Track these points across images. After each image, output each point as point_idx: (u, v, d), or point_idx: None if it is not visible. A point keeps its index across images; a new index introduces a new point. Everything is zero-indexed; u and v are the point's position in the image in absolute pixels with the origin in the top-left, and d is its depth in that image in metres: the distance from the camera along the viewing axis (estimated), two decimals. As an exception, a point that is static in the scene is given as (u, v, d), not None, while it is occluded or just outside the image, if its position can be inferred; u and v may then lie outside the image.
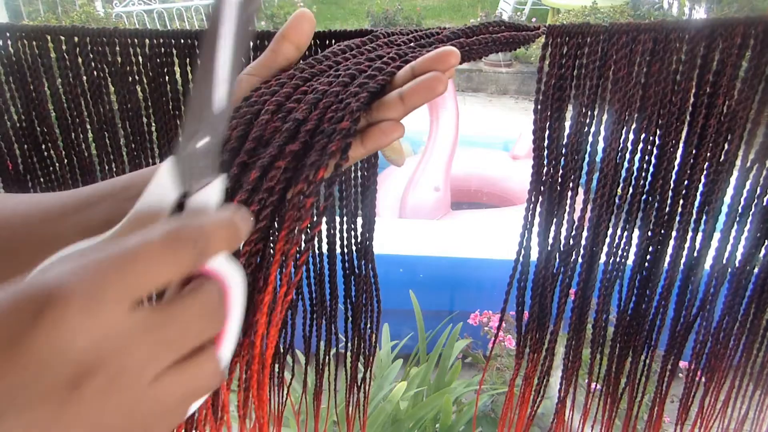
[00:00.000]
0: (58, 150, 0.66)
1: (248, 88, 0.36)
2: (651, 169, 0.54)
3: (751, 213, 0.53)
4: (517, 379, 0.65)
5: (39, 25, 0.61)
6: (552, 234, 0.58)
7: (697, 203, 0.54)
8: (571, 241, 0.58)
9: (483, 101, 5.47)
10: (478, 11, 6.65)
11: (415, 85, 0.32)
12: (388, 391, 1.36)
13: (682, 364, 0.63)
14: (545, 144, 0.56)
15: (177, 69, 0.62)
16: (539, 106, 0.55)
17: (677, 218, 0.55)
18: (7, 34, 0.61)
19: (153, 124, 0.65)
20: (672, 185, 0.54)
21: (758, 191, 0.53)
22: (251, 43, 0.58)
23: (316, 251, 0.61)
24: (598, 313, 0.61)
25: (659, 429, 0.66)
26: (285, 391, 0.67)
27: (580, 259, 0.58)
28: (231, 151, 0.31)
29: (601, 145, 0.54)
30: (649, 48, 0.51)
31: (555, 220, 0.58)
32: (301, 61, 0.39)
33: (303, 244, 0.31)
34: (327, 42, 0.54)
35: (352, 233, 0.60)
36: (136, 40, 0.61)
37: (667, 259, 0.57)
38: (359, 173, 0.58)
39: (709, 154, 0.52)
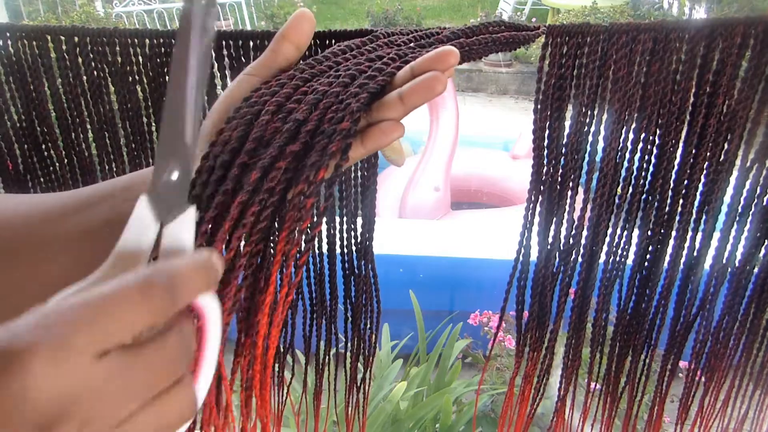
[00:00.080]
0: (58, 150, 0.66)
1: (248, 89, 0.36)
2: (651, 168, 0.54)
3: (751, 213, 0.53)
4: (517, 378, 0.65)
5: (39, 25, 0.61)
6: (552, 233, 0.58)
7: (697, 203, 0.54)
8: (571, 241, 0.58)
9: (483, 101, 5.47)
10: (478, 11, 6.65)
11: (415, 85, 0.32)
12: (388, 391, 1.36)
13: (682, 363, 0.63)
14: (545, 144, 0.56)
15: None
16: (539, 106, 0.55)
17: (677, 218, 0.55)
18: (7, 34, 0.61)
19: (153, 124, 0.65)
20: (672, 185, 0.54)
21: (758, 191, 0.53)
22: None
23: (316, 251, 0.61)
24: (597, 313, 0.61)
25: (659, 428, 0.66)
26: (285, 391, 0.68)
27: (580, 259, 0.58)
28: (231, 151, 0.31)
29: (601, 144, 0.54)
30: (649, 48, 0.51)
31: (555, 219, 0.58)
32: (302, 62, 0.39)
33: (303, 245, 0.31)
34: (327, 42, 0.54)
35: (352, 233, 0.60)
36: (136, 40, 0.61)
37: (667, 258, 0.57)
38: (359, 173, 0.58)
39: (709, 154, 0.52)
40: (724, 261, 0.56)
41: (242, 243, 0.30)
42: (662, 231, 0.56)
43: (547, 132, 0.55)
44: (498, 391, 1.48)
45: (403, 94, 0.33)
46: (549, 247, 0.59)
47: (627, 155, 0.54)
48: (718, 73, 0.50)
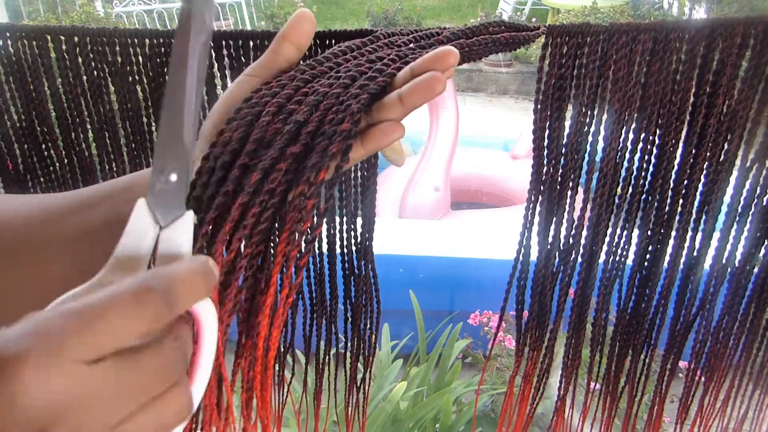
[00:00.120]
0: (58, 150, 0.66)
1: (249, 90, 0.36)
2: (651, 168, 0.54)
3: (750, 213, 0.53)
4: (517, 377, 0.65)
5: (39, 25, 0.61)
6: (552, 233, 0.58)
7: (696, 203, 0.54)
8: (571, 240, 0.58)
9: (483, 101, 5.47)
10: (478, 11, 6.65)
11: (414, 86, 0.32)
12: (388, 391, 1.36)
13: (682, 363, 0.63)
14: (545, 144, 0.56)
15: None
16: (539, 106, 0.55)
17: (677, 218, 0.55)
18: (7, 34, 0.61)
19: (153, 124, 0.65)
20: (672, 185, 0.54)
21: (758, 191, 0.53)
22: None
23: (316, 251, 0.61)
24: (597, 312, 0.61)
25: (659, 428, 0.66)
26: (285, 391, 0.68)
27: (579, 258, 0.59)
28: (232, 152, 0.31)
29: (600, 144, 0.54)
30: (649, 48, 0.51)
31: (555, 219, 0.58)
32: (302, 62, 0.39)
33: (304, 246, 0.31)
34: (327, 42, 0.54)
35: (352, 233, 0.60)
36: (136, 40, 0.61)
37: (667, 258, 0.57)
38: (359, 173, 0.58)
39: (708, 154, 0.52)
40: (724, 261, 0.56)
41: (243, 244, 0.30)
42: (662, 231, 0.56)
43: (547, 132, 0.55)
44: (498, 391, 1.48)
45: (402, 95, 0.33)
46: (549, 246, 0.59)
47: (627, 155, 0.54)
48: (718, 73, 0.50)
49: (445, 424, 1.33)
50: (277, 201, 0.30)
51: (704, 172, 0.53)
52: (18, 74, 0.62)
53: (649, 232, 0.56)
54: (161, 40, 0.61)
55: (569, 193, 0.57)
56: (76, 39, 0.61)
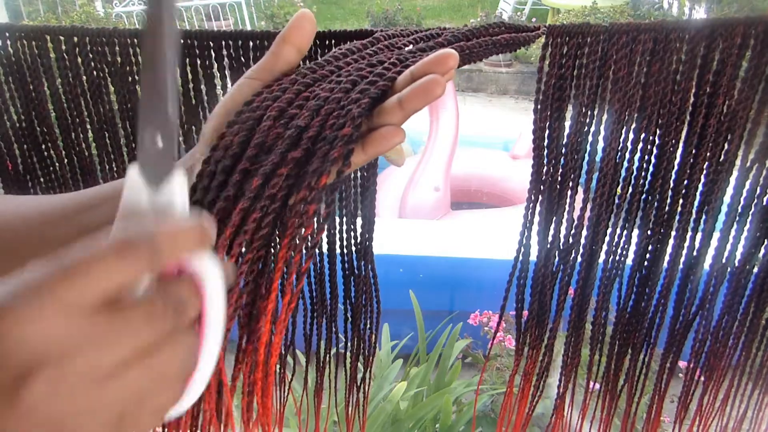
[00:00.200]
0: (58, 150, 0.66)
1: (249, 92, 0.36)
2: (651, 168, 0.54)
3: (750, 213, 0.53)
4: (516, 377, 0.65)
5: (39, 25, 0.61)
6: (552, 233, 0.58)
7: (696, 203, 0.54)
8: (571, 240, 0.58)
9: (483, 101, 5.47)
10: (478, 11, 6.65)
11: (414, 89, 0.32)
12: (388, 391, 1.36)
13: (681, 363, 0.63)
14: (545, 144, 0.56)
15: (176, 69, 0.62)
16: (539, 106, 0.55)
17: (677, 217, 0.55)
18: (7, 34, 0.61)
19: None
20: (672, 185, 0.54)
21: (758, 191, 0.53)
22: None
23: (317, 251, 0.61)
24: (597, 311, 0.61)
25: (658, 427, 0.66)
26: (286, 391, 0.68)
27: (579, 258, 0.59)
28: (233, 156, 0.31)
29: (600, 144, 0.55)
30: (649, 48, 0.51)
31: (555, 219, 0.58)
32: (303, 65, 0.39)
33: (305, 252, 0.31)
34: (327, 42, 0.54)
35: (352, 234, 0.60)
36: (136, 40, 0.61)
37: (667, 258, 0.57)
38: (359, 174, 0.58)
39: (709, 154, 0.52)
40: (724, 261, 0.56)
41: (243, 249, 0.30)
42: (662, 231, 0.56)
43: (547, 132, 0.55)
44: (498, 391, 1.48)
45: (402, 99, 0.33)
46: (549, 246, 0.59)
47: (627, 155, 0.54)
48: (718, 73, 0.50)
49: (445, 424, 1.33)
50: (278, 206, 0.30)
51: (704, 172, 0.53)
52: (18, 74, 0.62)
53: (649, 232, 0.56)
54: (161, 41, 0.61)
55: (569, 192, 0.57)
56: (75, 39, 0.61)
